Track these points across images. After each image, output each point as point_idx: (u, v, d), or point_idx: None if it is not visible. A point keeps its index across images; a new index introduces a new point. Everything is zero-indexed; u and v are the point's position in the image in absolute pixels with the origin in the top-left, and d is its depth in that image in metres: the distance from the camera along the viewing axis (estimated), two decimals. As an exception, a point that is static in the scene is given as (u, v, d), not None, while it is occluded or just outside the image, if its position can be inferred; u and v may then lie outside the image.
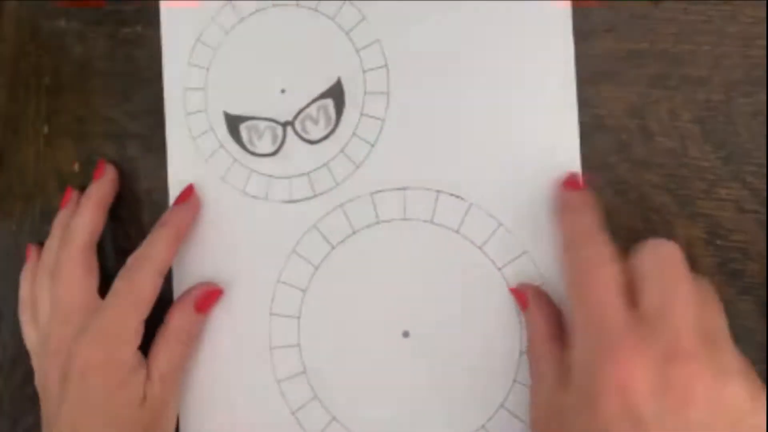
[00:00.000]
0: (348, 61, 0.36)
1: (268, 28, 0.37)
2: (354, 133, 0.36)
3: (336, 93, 0.36)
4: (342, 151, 0.36)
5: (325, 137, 0.36)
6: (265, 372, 0.36)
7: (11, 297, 0.41)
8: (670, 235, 0.33)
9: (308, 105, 0.36)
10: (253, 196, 0.37)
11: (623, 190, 0.33)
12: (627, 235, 0.33)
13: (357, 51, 0.36)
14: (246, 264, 0.36)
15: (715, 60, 0.32)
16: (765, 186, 0.32)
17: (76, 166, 0.40)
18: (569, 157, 0.33)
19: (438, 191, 0.34)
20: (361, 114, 0.36)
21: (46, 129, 0.41)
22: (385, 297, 0.35)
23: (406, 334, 0.34)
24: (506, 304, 0.33)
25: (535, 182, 0.33)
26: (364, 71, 0.36)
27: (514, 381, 0.33)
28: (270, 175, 0.37)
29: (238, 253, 0.37)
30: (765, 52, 0.32)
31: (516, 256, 0.33)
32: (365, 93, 0.36)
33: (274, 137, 0.36)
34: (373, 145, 0.35)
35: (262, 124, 0.37)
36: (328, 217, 0.36)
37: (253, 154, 0.37)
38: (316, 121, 0.36)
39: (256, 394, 0.36)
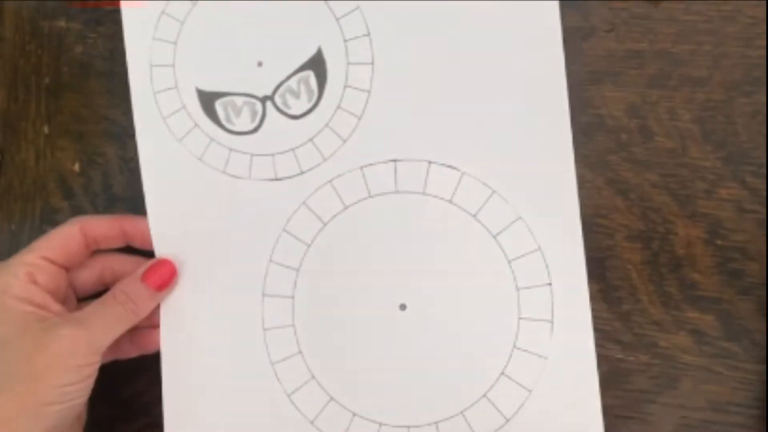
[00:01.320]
0: (328, 30, 0.35)
1: None
2: (339, 106, 0.35)
3: (317, 64, 0.35)
4: (327, 125, 0.35)
5: (309, 111, 0.35)
6: (259, 354, 0.35)
7: (11, 297, 0.41)
8: (670, 235, 0.33)
9: (288, 78, 0.35)
10: (235, 176, 0.36)
11: (623, 189, 0.33)
12: (627, 235, 0.33)
13: (337, 19, 0.35)
14: (234, 246, 0.35)
15: (715, 60, 0.32)
16: (765, 186, 0.32)
17: (77, 166, 0.40)
18: (558, 119, 0.33)
19: (429, 162, 0.34)
20: (345, 86, 0.35)
21: (46, 129, 0.41)
22: (380, 271, 0.34)
23: (403, 307, 0.34)
24: (503, 271, 0.33)
25: (526, 147, 0.33)
26: (345, 40, 0.35)
27: (514, 347, 0.33)
28: (251, 153, 0.36)
29: (224, 236, 0.36)
30: (765, 52, 0.32)
31: (510, 223, 0.33)
32: (348, 63, 0.35)
33: (254, 113, 0.35)
34: (359, 118, 0.35)
35: (240, 100, 0.36)
36: (317, 194, 0.35)
37: (231, 132, 0.36)
38: (297, 95, 0.35)
39: (250, 377, 0.35)
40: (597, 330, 0.33)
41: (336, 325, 0.34)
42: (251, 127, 0.36)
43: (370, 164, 0.35)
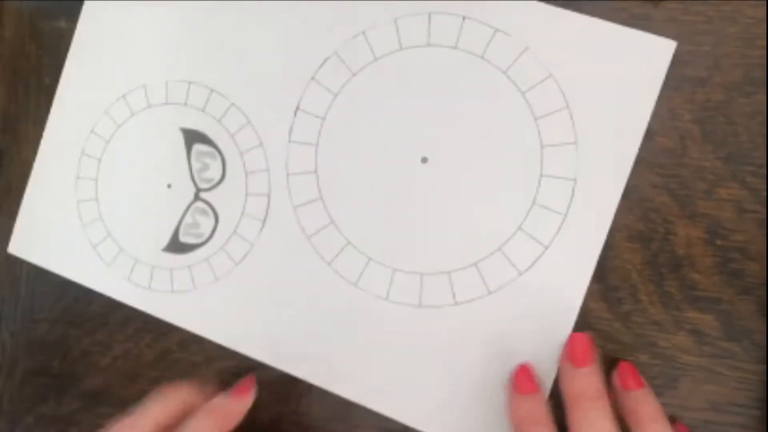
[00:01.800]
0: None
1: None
2: None
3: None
4: None
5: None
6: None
7: (11, 297, 0.41)
8: (670, 235, 0.33)
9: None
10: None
11: (623, 189, 0.33)
12: (627, 235, 0.33)
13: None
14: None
15: (715, 60, 0.32)
16: (765, 186, 0.32)
17: (76, 166, 0.40)
18: None
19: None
20: None
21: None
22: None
23: (424, 160, 0.35)
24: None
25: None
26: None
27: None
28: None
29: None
30: (765, 52, 0.32)
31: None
32: None
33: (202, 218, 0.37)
34: None
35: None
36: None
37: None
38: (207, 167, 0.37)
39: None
40: (597, 330, 0.33)
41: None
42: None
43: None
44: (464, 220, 0.34)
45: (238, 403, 0.35)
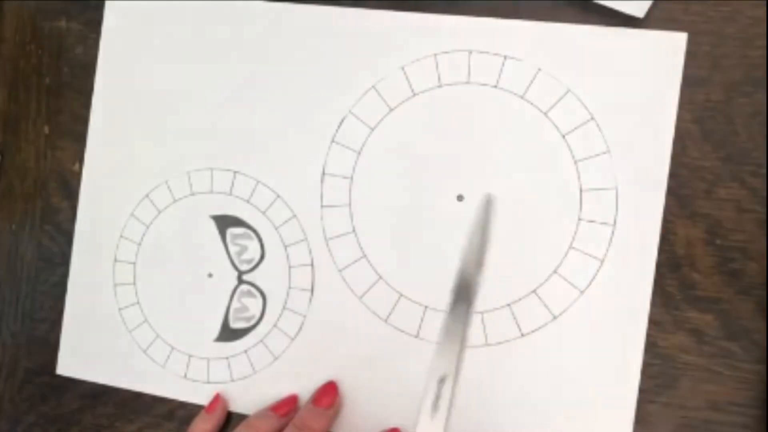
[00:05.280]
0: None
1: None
2: None
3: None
4: None
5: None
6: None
7: (11, 297, 0.41)
8: (670, 235, 0.33)
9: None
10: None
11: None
12: (627, 234, 0.33)
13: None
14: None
15: (715, 60, 0.32)
16: (765, 186, 0.32)
17: (77, 166, 0.40)
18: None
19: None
20: None
21: (46, 129, 0.41)
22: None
23: (460, 198, 0.34)
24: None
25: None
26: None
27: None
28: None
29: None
30: (764, 52, 0.32)
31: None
32: None
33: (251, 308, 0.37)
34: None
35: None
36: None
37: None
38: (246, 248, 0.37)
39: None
40: (597, 330, 0.33)
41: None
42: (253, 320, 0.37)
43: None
44: (499, 260, 0.34)
45: (325, 413, 0.34)
